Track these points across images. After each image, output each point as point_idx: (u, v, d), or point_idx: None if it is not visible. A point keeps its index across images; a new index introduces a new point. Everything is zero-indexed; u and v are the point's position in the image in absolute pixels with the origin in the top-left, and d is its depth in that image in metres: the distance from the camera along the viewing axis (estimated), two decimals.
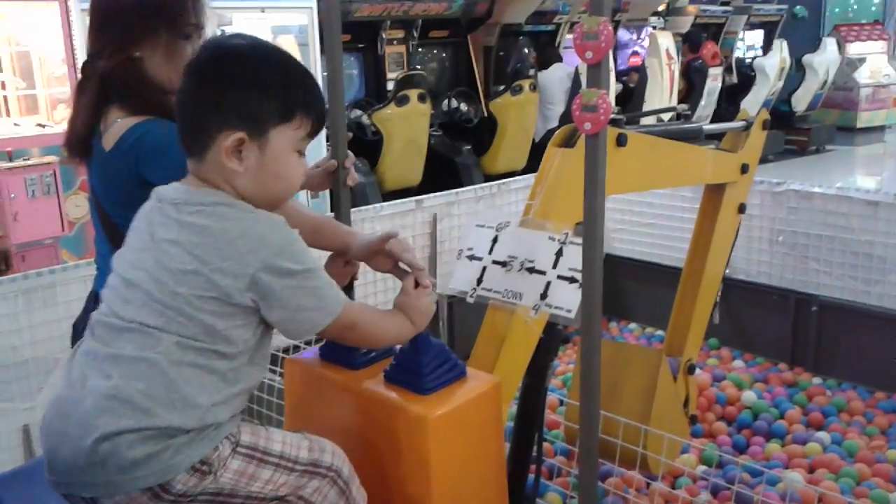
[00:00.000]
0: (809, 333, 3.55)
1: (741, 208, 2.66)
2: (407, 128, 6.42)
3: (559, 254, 1.73)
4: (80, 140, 1.79)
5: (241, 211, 1.27)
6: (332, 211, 2.06)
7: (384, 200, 4.13)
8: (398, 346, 1.59)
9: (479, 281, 1.86)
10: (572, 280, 1.69)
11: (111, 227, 1.76)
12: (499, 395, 1.61)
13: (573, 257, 1.70)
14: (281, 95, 1.28)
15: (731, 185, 2.59)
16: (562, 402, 3.13)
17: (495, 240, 1.88)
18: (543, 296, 1.73)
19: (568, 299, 1.69)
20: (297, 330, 1.32)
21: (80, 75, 1.82)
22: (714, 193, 2.62)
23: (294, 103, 1.29)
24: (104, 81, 1.74)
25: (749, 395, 3.25)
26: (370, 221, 3.63)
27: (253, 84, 1.27)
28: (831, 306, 3.49)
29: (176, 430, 1.20)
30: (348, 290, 1.83)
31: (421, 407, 1.49)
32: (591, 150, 1.47)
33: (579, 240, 1.67)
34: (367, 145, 6.33)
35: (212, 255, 1.23)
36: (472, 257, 1.90)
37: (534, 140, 7.63)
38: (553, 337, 1.91)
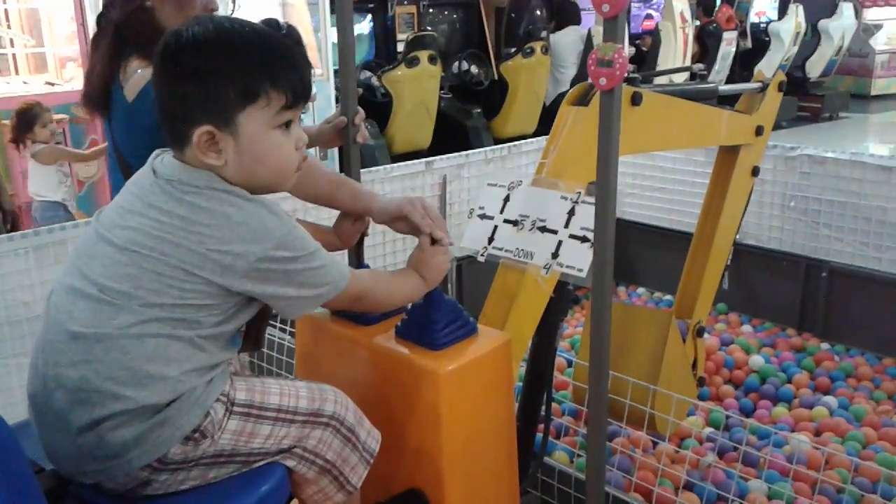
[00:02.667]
0: (819, 299, 3.54)
1: (755, 171, 2.64)
2: (417, 90, 6.37)
3: (571, 213, 1.72)
4: (99, 92, 1.78)
5: (242, 198, 1.24)
6: (341, 169, 2.05)
7: (393, 163, 4.11)
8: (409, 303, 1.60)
9: (491, 240, 1.85)
10: (584, 239, 1.68)
11: (129, 172, 1.77)
12: (509, 352, 1.62)
13: (585, 217, 1.69)
14: (237, 78, 1.21)
15: (746, 147, 2.56)
16: (570, 364, 3.15)
17: (507, 199, 1.87)
18: (555, 255, 1.72)
19: (579, 258, 1.68)
20: (299, 308, 1.32)
21: (94, 28, 1.81)
22: (728, 156, 2.60)
23: (254, 82, 1.22)
24: (118, 31, 1.74)
25: (757, 360, 3.25)
26: (380, 183, 3.62)
27: (207, 73, 1.21)
28: (841, 272, 3.48)
29: (152, 406, 1.19)
30: (358, 246, 1.83)
31: (432, 362, 1.50)
32: (606, 106, 1.46)
33: (592, 199, 1.67)
34: (377, 107, 6.29)
35: (212, 237, 1.20)
36: (483, 216, 1.89)
37: (545, 103, 7.57)
38: (563, 297, 1.91)
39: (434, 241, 1.54)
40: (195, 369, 1.22)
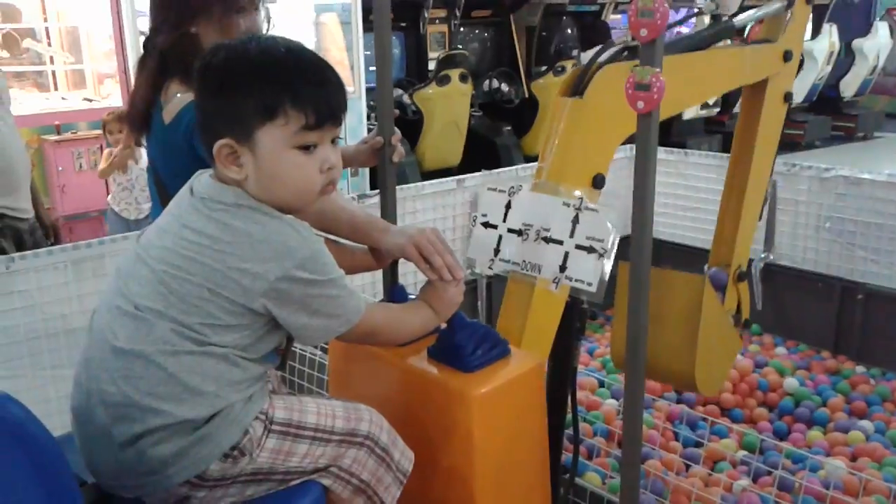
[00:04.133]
0: (854, 322, 3.49)
1: (787, 97, 2.50)
2: (448, 108, 6.40)
3: (575, 221, 1.68)
4: (141, 114, 1.84)
5: (267, 215, 1.24)
6: (374, 188, 2.05)
7: (423, 180, 4.13)
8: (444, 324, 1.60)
9: (497, 251, 1.82)
10: (591, 250, 1.65)
11: (168, 197, 1.80)
12: (542, 374, 1.61)
13: (590, 225, 1.65)
14: (257, 94, 1.22)
15: (774, 75, 2.41)
16: (602, 385, 3.13)
17: (508, 205, 1.82)
18: (563, 267, 1.69)
19: (588, 271, 1.64)
20: (311, 337, 1.33)
21: (141, 51, 1.86)
22: (755, 87, 2.44)
23: (274, 100, 1.21)
24: (162, 57, 1.78)
25: (791, 382, 3.21)
26: (411, 200, 3.64)
27: (230, 87, 1.23)
28: (878, 294, 3.43)
29: (190, 422, 1.20)
30: (393, 266, 1.83)
31: (464, 384, 1.50)
32: (643, 130, 1.45)
33: (595, 206, 1.64)
34: (408, 125, 6.33)
35: (233, 255, 1.21)
36: (486, 224, 1.85)
37: None
38: (574, 315, 1.86)
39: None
40: (233, 385, 1.24)
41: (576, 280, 1.67)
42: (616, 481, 2.37)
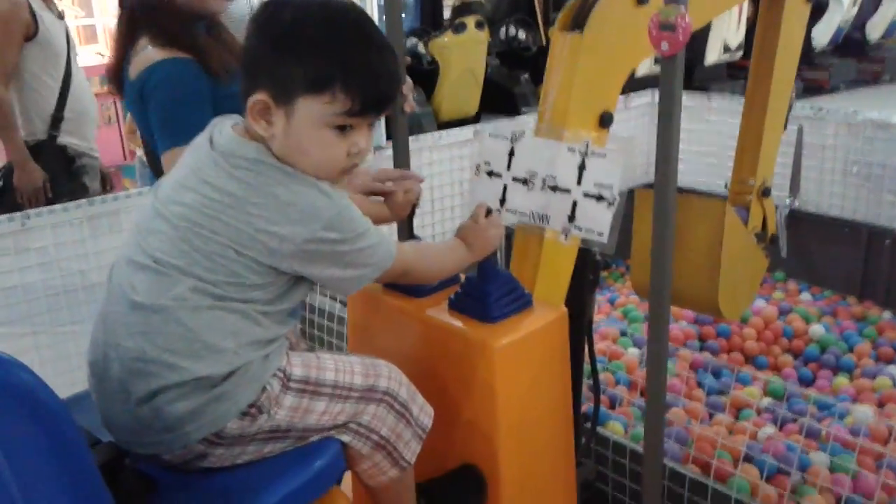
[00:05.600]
0: (881, 267, 3.42)
1: None
2: (464, 56, 6.27)
3: (582, 167, 1.62)
4: (113, 70, 1.83)
5: (290, 176, 1.20)
6: (388, 139, 2.01)
7: (440, 130, 4.07)
8: (463, 275, 1.57)
9: (503, 201, 1.76)
10: (599, 198, 1.59)
11: (150, 152, 1.80)
12: (565, 325, 1.57)
13: (598, 171, 1.59)
14: (313, 63, 1.16)
15: None
16: (624, 334, 3.10)
17: (512, 152, 1.75)
18: (571, 217, 1.63)
19: (598, 220, 1.58)
20: (344, 288, 1.31)
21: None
22: None
23: (328, 76, 1.16)
24: (133, 12, 1.76)
25: (817, 329, 3.17)
26: (428, 151, 3.59)
27: (285, 48, 1.17)
28: None
29: (207, 379, 1.18)
30: (409, 218, 1.78)
31: (486, 335, 1.47)
32: (667, 74, 1.39)
33: (602, 150, 1.58)
34: (423, 75, 6.22)
35: (259, 217, 1.18)
36: (490, 173, 1.79)
37: None
38: (587, 267, 1.80)
39: (489, 212, 1.50)
40: (251, 343, 1.21)
41: (586, 230, 1.63)
42: (639, 430, 2.36)
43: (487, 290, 1.51)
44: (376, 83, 1.20)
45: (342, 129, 1.21)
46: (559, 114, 1.75)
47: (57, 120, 3.18)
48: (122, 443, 1.25)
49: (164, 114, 1.74)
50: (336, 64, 1.17)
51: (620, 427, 2.42)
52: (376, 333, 1.72)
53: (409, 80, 1.96)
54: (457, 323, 1.53)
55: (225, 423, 1.19)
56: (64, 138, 3.22)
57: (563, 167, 1.65)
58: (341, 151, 1.22)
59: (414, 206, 1.73)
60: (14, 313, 2.60)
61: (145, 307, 1.18)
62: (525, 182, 1.73)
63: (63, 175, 3.24)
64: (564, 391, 1.61)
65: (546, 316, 1.55)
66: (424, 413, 1.39)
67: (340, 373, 1.30)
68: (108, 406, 1.24)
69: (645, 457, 1.62)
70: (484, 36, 6.44)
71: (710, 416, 2.56)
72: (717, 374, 2.86)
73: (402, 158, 2.00)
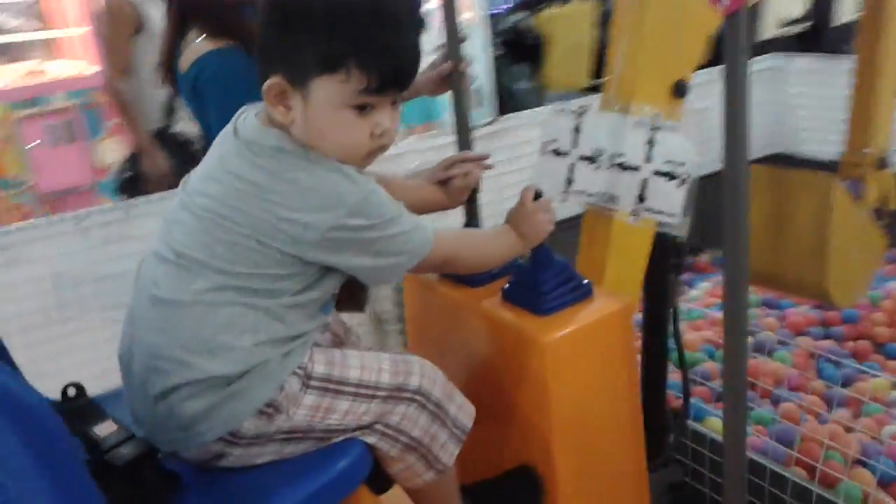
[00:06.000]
0: None
1: None
2: (570, 28, 6.07)
3: (651, 143, 1.46)
4: (165, 65, 1.81)
5: (312, 161, 1.13)
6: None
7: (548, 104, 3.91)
8: (520, 262, 1.45)
9: (569, 181, 1.62)
10: (671, 176, 1.43)
11: (207, 145, 1.78)
12: (629, 317, 1.43)
13: (669, 146, 1.43)
14: (325, 41, 1.09)
15: None
16: None
17: (577, 129, 1.61)
18: (641, 197, 1.48)
19: (669, 200, 1.43)
20: (379, 277, 1.23)
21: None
22: None
23: (340, 52, 1.09)
24: (181, 3, 1.74)
25: None
26: (525, 128, 3.44)
27: (295, 26, 1.11)
28: None
29: (221, 377, 1.13)
30: (470, 203, 1.66)
31: (538, 329, 1.35)
32: (731, 36, 1.21)
33: (673, 123, 1.41)
34: (529, 49, 6.04)
35: (281, 205, 1.12)
36: (556, 151, 1.65)
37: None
38: (668, 249, 1.65)
39: (537, 196, 1.38)
40: (271, 340, 1.16)
41: (656, 211, 1.47)
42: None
43: (539, 280, 1.39)
44: (393, 58, 1.12)
45: (362, 108, 1.14)
46: (626, 84, 1.61)
47: (171, 108, 3.27)
48: (149, 439, 1.22)
49: (220, 105, 1.71)
50: (348, 40, 1.10)
51: (720, 423, 2.21)
52: (432, 325, 1.64)
53: (466, 57, 1.85)
54: (507, 315, 1.42)
55: (240, 422, 1.14)
56: (178, 126, 3.30)
57: (631, 143, 1.52)
58: (364, 133, 1.15)
59: (474, 191, 1.62)
60: (121, 299, 2.67)
61: (165, 302, 1.16)
62: (592, 160, 1.59)
63: (180, 161, 3.30)
64: (629, 387, 1.47)
65: (606, 307, 1.41)
66: (464, 413, 1.30)
67: (366, 370, 1.23)
68: (133, 401, 1.22)
69: (725, 464, 1.44)
70: (589, 7, 6.21)
71: (831, 410, 2.31)
72: (839, 364, 2.59)
73: (464, 140, 1.89)
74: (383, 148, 1.19)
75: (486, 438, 1.34)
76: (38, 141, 3.98)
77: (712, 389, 2.39)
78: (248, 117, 1.20)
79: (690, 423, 1.96)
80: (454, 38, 1.80)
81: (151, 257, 1.22)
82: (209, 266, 1.14)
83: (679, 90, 1.60)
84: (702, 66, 1.65)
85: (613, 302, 1.42)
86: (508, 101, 4.87)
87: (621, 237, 1.61)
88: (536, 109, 3.67)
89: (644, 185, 1.50)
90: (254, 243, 1.13)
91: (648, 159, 1.49)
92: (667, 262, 1.67)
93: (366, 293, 1.86)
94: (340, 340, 1.48)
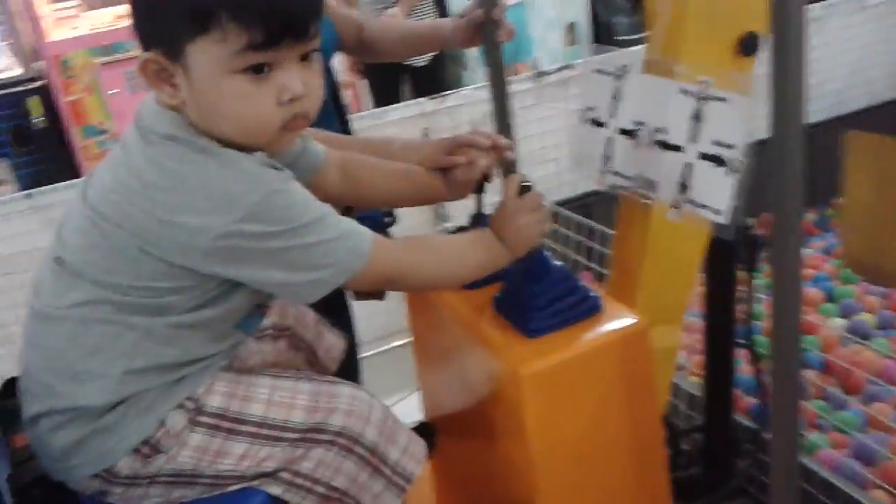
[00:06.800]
0: None
1: None
2: None
3: (698, 118, 1.17)
4: None
5: (204, 152, 0.93)
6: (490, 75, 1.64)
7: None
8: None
9: (607, 158, 1.34)
10: (719, 161, 1.13)
11: None
12: (643, 341, 1.16)
13: (719, 122, 1.13)
14: None
15: None
16: (831, 299, 2.50)
17: (616, 95, 1.32)
18: (683, 186, 1.20)
19: (715, 192, 1.15)
20: (297, 295, 1.02)
21: None
22: None
23: (207, 6, 0.88)
24: None
25: None
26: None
27: None
28: None
29: (90, 409, 0.97)
30: (478, 196, 1.30)
31: (518, 356, 1.11)
32: None
33: (727, 94, 1.12)
34: None
35: (164, 205, 0.92)
36: (594, 121, 1.36)
37: None
38: (736, 243, 1.35)
39: (524, 190, 1.11)
40: (151, 368, 0.98)
41: (700, 204, 1.19)
42: (814, 437, 1.86)
43: (529, 294, 1.15)
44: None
45: (258, 71, 0.91)
46: (674, 37, 1.30)
47: None
48: None
49: None
50: None
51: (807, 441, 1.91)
52: (433, 335, 1.41)
53: (501, 2, 1.59)
54: (491, 333, 1.18)
55: (114, 460, 0.99)
56: None
57: (675, 116, 1.22)
58: (266, 102, 0.93)
59: (481, 184, 1.28)
60: None
61: (38, 315, 1.01)
62: (630, 135, 1.32)
63: None
64: (647, 422, 1.21)
65: (613, 329, 1.15)
66: (410, 457, 1.09)
67: (274, 406, 1.03)
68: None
69: (772, 489, 1.16)
70: None
71: None
72: None
73: (500, 106, 1.64)
74: (304, 117, 0.97)
75: (474, 475, 1.14)
76: (118, 89, 3.94)
77: None
78: (147, 99, 1.00)
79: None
80: None
81: (44, 257, 1.05)
82: (84, 275, 0.97)
83: (748, 45, 1.28)
84: None
85: (624, 321, 1.16)
86: (607, 39, 4.45)
87: (662, 237, 1.34)
88: (634, 49, 3.30)
89: (688, 169, 1.22)
90: (135, 250, 0.94)
91: (694, 138, 1.21)
92: (734, 257, 1.38)
93: None
94: (312, 351, 1.30)
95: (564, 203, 2.49)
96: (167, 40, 0.91)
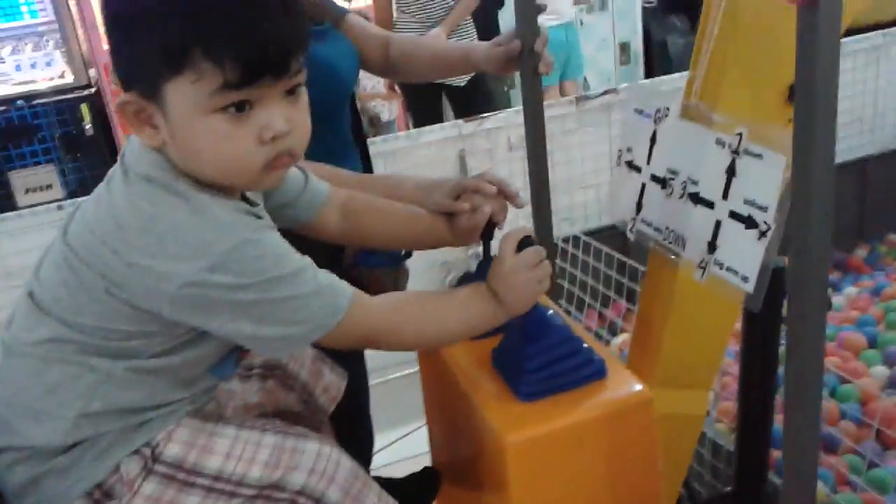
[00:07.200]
0: None
1: None
2: None
3: (731, 171, 1.09)
4: None
5: (179, 196, 0.91)
6: (651, 76, 1.59)
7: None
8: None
9: (639, 206, 1.27)
10: (750, 223, 1.06)
11: None
12: (646, 412, 1.09)
13: (753, 180, 1.05)
14: (157, 35, 0.85)
15: None
16: (874, 344, 2.37)
17: (654, 138, 1.25)
18: (712, 246, 1.12)
19: (744, 256, 1.06)
20: (270, 349, 1.01)
21: None
22: None
23: (180, 45, 0.84)
24: None
25: None
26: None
27: (128, 20, 0.88)
28: None
29: (45, 449, 0.95)
30: (486, 239, 1.25)
31: (505, 421, 1.06)
32: (805, 24, 0.83)
33: (763, 149, 1.04)
34: None
35: (134, 248, 0.89)
36: (630, 165, 1.30)
37: None
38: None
39: (523, 245, 1.05)
40: (109, 411, 0.96)
41: (727, 268, 1.11)
42: (846, 496, 1.76)
43: (524, 355, 1.09)
44: (249, 35, 0.85)
45: (239, 109, 0.88)
46: (710, 93, 1.22)
47: None
48: None
49: None
50: (185, 26, 0.85)
51: (822, 488, 1.82)
52: (436, 377, 1.34)
53: (544, 33, 1.52)
54: (482, 389, 1.13)
55: (67, 503, 0.97)
56: None
57: (708, 167, 1.15)
58: (246, 141, 0.89)
59: (488, 230, 1.22)
60: None
61: (6, 347, 1.00)
62: (664, 183, 1.24)
63: None
64: (649, 497, 1.14)
65: (613, 399, 1.09)
66: None
67: (232, 459, 0.99)
68: None
69: None
70: None
71: None
72: None
73: (535, 139, 1.58)
74: (290, 154, 0.93)
75: None
76: None
77: (826, 438, 1.97)
78: (135, 137, 0.97)
79: None
80: (527, 7, 1.48)
81: (22, 290, 1.04)
82: (51, 313, 0.96)
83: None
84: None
85: (628, 390, 1.10)
86: (661, 59, 4.31)
87: (689, 297, 1.26)
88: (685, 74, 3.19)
89: (717, 228, 1.14)
90: (101, 291, 0.92)
91: (725, 194, 1.13)
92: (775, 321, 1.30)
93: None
94: (307, 391, 1.25)
95: (599, 232, 2.42)
96: (144, 81, 0.88)
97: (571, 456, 1.07)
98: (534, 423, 1.05)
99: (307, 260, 0.95)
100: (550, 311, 1.13)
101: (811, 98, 0.85)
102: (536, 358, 1.08)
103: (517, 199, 1.21)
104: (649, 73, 4.36)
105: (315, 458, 1.01)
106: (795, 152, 0.89)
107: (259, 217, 0.96)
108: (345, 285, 0.96)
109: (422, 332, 1.03)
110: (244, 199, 1.00)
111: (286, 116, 0.90)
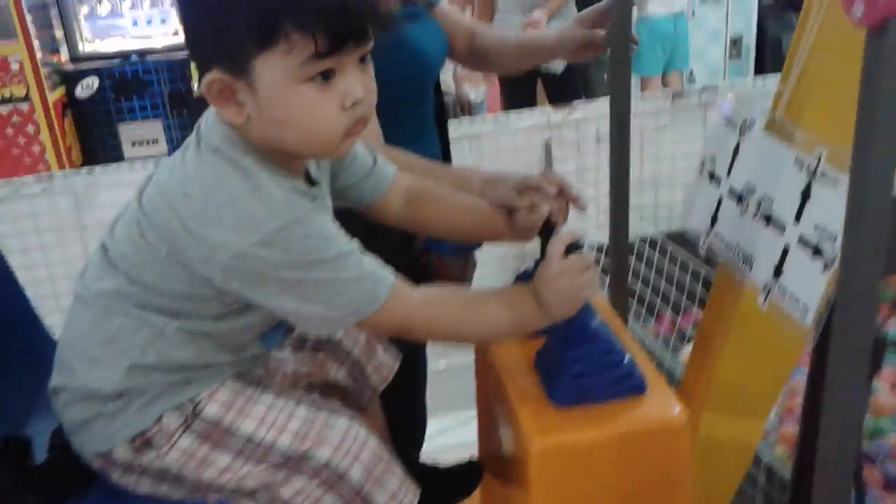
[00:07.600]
0: None
1: None
2: None
3: (806, 194, 1.03)
4: None
5: (242, 170, 0.94)
6: (763, 72, 1.54)
7: None
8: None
9: (714, 220, 1.23)
10: (816, 251, 1.00)
11: None
12: (681, 436, 1.05)
13: (826, 204, 0.99)
14: (251, 11, 0.87)
15: None
16: None
17: (737, 149, 1.19)
18: (777, 270, 1.07)
19: (807, 286, 1.01)
20: (310, 326, 1.05)
21: None
22: None
23: (272, 19, 0.86)
24: None
25: None
26: None
27: (216, 1, 0.89)
28: None
29: (98, 393, 1.01)
30: (544, 237, 1.18)
31: (536, 424, 1.04)
32: (873, 52, 0.79)
33: (838, 173, 0.98)
34: None
35: (194, 216, 0.93)
36: (711, 175, 1.25)
37: None
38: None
39: (570, 250, 1.02)
40: (159, 366, 1.01)
41: (789, 296, 1.07)
42: None
43: (563, 360, 1.07)
44: (335, 4, 0.87)
45: (324, 77, 0.91)
46: (796, 109, 1.16)
47: None
48: None
49: None
50: (276, 1, 0.87)
51: None
52: (484, 370, 1.32)
53: (632, 24, 1.48)
54: (518, 388, 1.12)
55: (111, 446, 1.02)
56: None
57: (784, 187, 1.10)
58: (332, 108, 0.92)
59: (548, 229, 1.17)
60: None
61: (77, 293, 1.06)
62: (740, 199, 1.21)
63: None
64: None
65: (647, 417, 1.05)
66: (397, 502, 1.06)
67: (265, 426, 1.02)
68: None
69: None
70: None
71: None
72: None
73: (619, 133, 1.53)
74: (363, 121, 0.96)
75: None
76: None
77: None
78: (212, 109, 1.00)
79: None
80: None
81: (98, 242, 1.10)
82: (118, 267, 1.01)
83: None
84: None
85: (664, 411, 1.06)
86: (773, 57, 4.11)
87: (751, 321, 1.21)
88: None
89: (785, 254, 1.09)
90: (163, 254, 0.96)
91: (797, 217, 1.08)
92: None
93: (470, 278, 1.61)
94: (359, 366, 1.26)
95: (681, 235, 2.33)
96: (231, 58, 0.90)
97: (596, 469, 1.04)
98: (561, 430, 1.04)
99: (353, 245, 0.96)
100: (596, 320, 1.10)
101: (872, 124, 0.79)
102: (574, 365, 1.06)
103: (578, 202, 1.18)
104: (760, 70, 4.16)
105: (343, 434, 1.04)
106: (851, 177, 0.84)
107: (315, 198, 0.98)
108: (387, 274, 0.97)
109: (458, 329, 1.03)
110: (308, 178, 1.03)
111: (362, 83, 0.93)
